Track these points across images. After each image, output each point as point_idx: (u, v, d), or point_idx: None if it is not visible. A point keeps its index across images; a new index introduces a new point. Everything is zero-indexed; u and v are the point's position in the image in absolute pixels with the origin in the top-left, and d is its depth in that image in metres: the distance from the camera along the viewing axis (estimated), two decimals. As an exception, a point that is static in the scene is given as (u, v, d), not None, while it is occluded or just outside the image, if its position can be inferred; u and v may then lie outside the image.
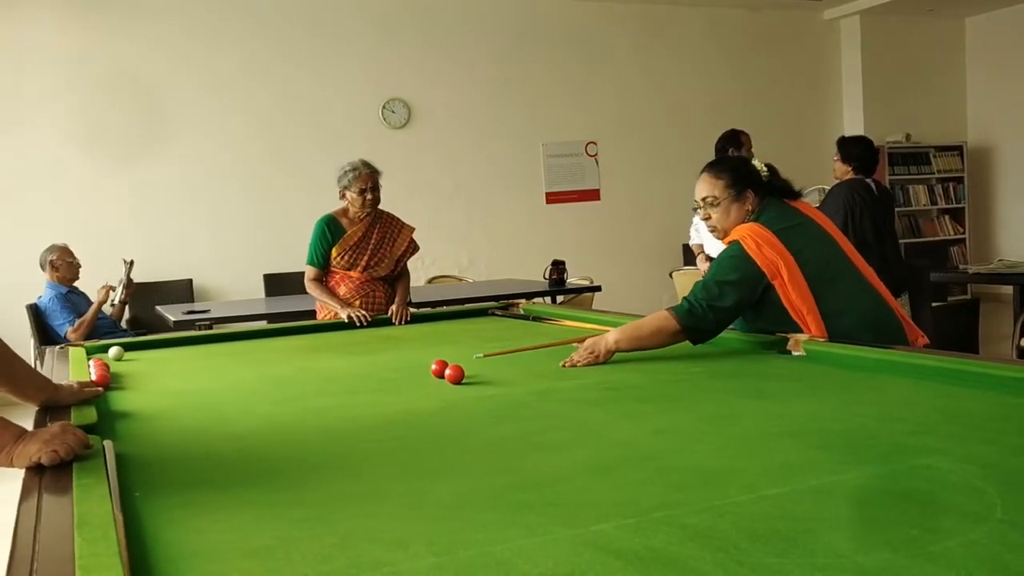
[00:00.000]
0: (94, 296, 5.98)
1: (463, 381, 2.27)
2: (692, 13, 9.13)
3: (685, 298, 2.51)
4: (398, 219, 4.17)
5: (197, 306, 6.00)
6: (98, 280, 6.18)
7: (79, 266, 6.00)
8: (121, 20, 7.19)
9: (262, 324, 4.66)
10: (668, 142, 9.06)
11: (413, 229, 4.18)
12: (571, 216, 8.77)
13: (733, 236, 2.54)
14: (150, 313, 6.37)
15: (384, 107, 8.04)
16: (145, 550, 1.19)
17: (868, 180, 4.81)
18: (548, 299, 6.03)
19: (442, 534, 1.20)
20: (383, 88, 8.05)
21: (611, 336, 2.51)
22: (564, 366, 2.47)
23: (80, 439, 1.58)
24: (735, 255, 2.49)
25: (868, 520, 1.17)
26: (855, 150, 4.99)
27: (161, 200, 7.40)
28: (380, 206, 4.08)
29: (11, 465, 1.55)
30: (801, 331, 2.49)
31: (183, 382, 2.62)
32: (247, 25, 7.60)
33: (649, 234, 9.02)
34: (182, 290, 7.34)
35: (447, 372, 2.30)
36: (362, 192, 4.00)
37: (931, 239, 9.81)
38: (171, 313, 5.43)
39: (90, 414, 1.98)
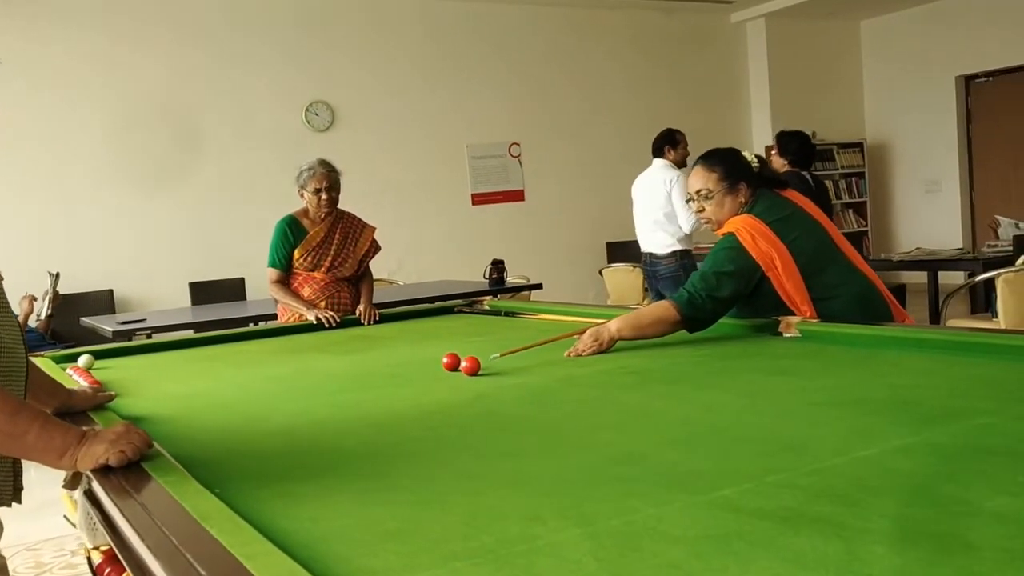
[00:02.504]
0: (16, 308, 5.71)
1: (479, 373, 2.29)
2: (610, 16, 9.31)
3: (684, 288, 2.58)
4: (359, 219, 4.13)
5: (131, 316, 5.79)
6: (15, 293, 5.90)
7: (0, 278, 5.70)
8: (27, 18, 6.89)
9: (189, 333, 4.51)
10: (591, 141, 9.21)
11: (375, 229, 4.15)
12: (497, 217, 8.82)
13: (728, 228, 2.62)
14: (73, 325, 6.11)
15: (307, 110, 7.93)
16: (274, 539, 1.17)
17: (804, 173, 5.02)
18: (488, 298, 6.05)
19: (568, 508, 1.22)
20: (306, 91, 7.94)
21: (613, 325, 2.56)
22: (569, 356, 2.50)
23: (144, 439, 1.54)
24: (731, 247, 2.58)
25: (974, 472, 1.24)
26: (792, 144, 5.22)
27: (78, 209, 7.11)
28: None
29: (74, 467, 1.50)
30: (793, 315, 2.59)
31: (180, 386, 2.54)
32: (168, 27, 7.38)
33: (575, 233, 9.15)
34: (103, 301, 7.06)
35: (463, 364, 2.31)
36: (317, 192, 3.94)
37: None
38: (105, 324, 5.23)
39: (111, 419, 1.91)
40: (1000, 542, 0.98)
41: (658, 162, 5.82)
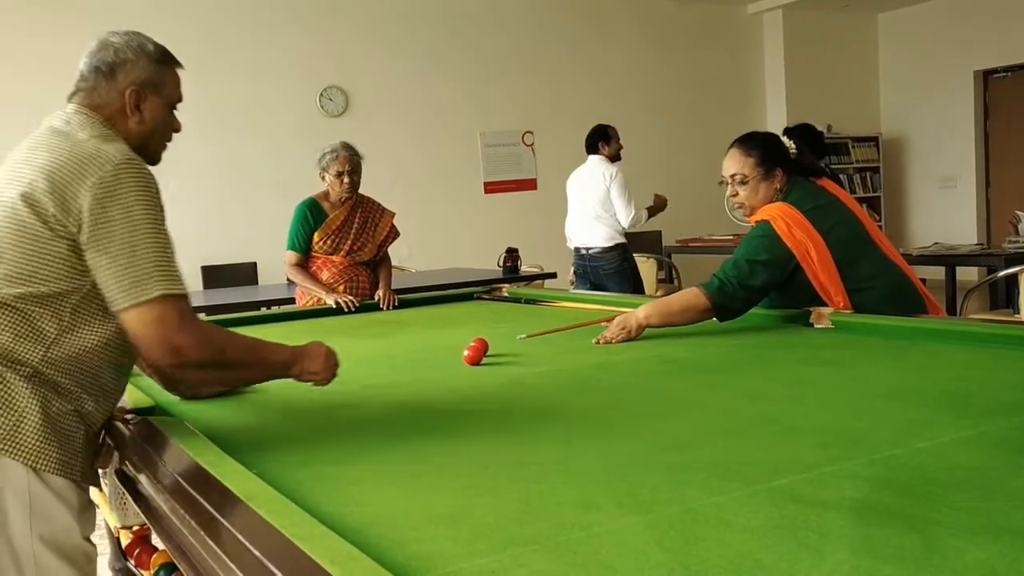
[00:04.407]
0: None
1: (484, 357, 2.25)
2: (625, 6, 9.24)
3: (715, 275, 2.53)
4: (379, 204, 4.10)
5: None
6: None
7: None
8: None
9: (201, 316, 4.48)
10: (604, 132, 9.14)
11: (394, 214, 4.11)
12: (510, 206, 8.77)
13: (762, 215, 2.56)
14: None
15: (322, 95, 7.88)
16: (324, 521, 1.13)
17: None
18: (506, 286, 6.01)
19: (623, 495, 1.19)
20: (321, 76, 7.89)
21: (641, 312, 2.52)
22: (597, 343, 2.47)
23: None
24: (766, 235, 2.52)
25: (1042, 465, 1.21)
26: (803, 138, 5.17)
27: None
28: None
29: (299, 378, 1.72)
30: (825, 305, 2.55)
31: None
32: (181, 9, 7.33)
33: (587, 223, 9.09)
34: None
35: (464, 354, 2.27)
36: (339, 175, 3.90)
37: (851, 226, 10.19)
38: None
39: (144, 399, 1.89)
40: (1084, 537, 0.95)
41: (593, 158, 5.91)
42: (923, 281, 5.85)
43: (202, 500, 1.14)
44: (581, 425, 1.61)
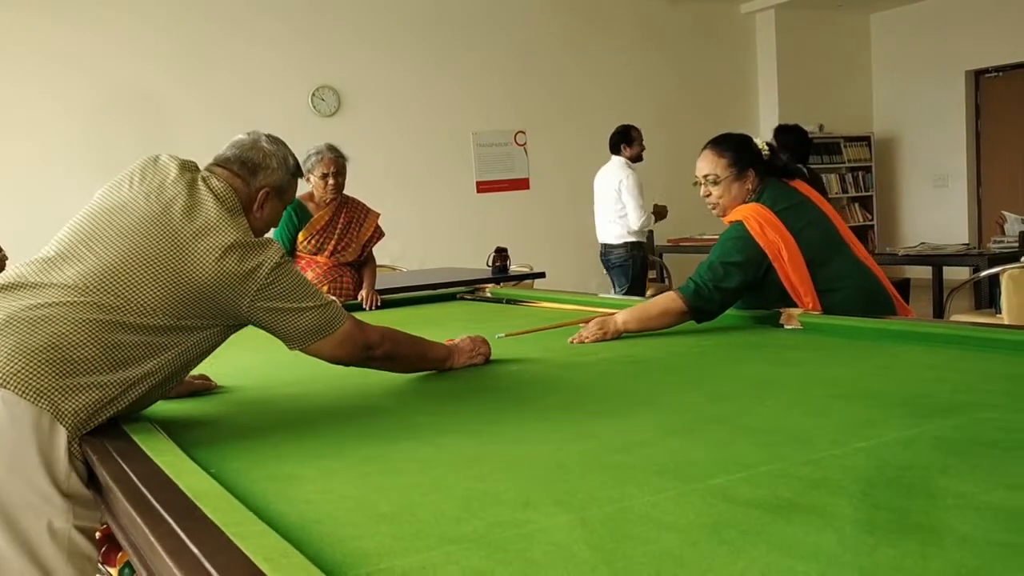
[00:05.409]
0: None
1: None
2: (618, 5, 9.27)
3: (691, 279, 2.56)
4: (364, 204, 4.13)
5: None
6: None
7: (5, 258, 5.72)
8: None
9: None
10: (597, 132, 9.12)
11: (379, 215, 4.14)
12: (502, 205, 8.81)
13: (735, 216, 2.60)
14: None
15: (314, 95, 7.91)
16: (268, 520, 1.17)
17: (801, 167, 5.00)
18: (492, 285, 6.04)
19: (563, 494, 1.22)
20: (313, 76, 7.92)
21: (619, 317, 2.55)
22: (572, 343, 2.50)
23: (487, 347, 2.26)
24: (739, 236, 2.55)
25: (972, 465, 1.24)
26: (789, 139, 5.27)
27: (69, 197, 7.11)
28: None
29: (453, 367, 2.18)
30: (795, 306, 2.58)
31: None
32: (172, 10, 7.36)
33: (578, 223, 9.10)
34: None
35: (464, 350, 2.31)
36: (324, 177, 3.94)
37: (843, 226, 10.21)
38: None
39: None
40: (994, 535, 0.98)
41: (615, 159, 6.36)
42: (908, 281, 5.90)
43: (151, 498, 1.18)
44: (535, 425, 1.65)
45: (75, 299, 1.62)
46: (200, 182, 1.81)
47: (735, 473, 1.26)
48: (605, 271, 6.68)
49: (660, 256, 8.52)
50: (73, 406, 1.54)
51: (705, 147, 2.69)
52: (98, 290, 1.63)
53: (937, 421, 1.48)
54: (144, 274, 1.66)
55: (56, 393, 1.52)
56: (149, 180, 1.80)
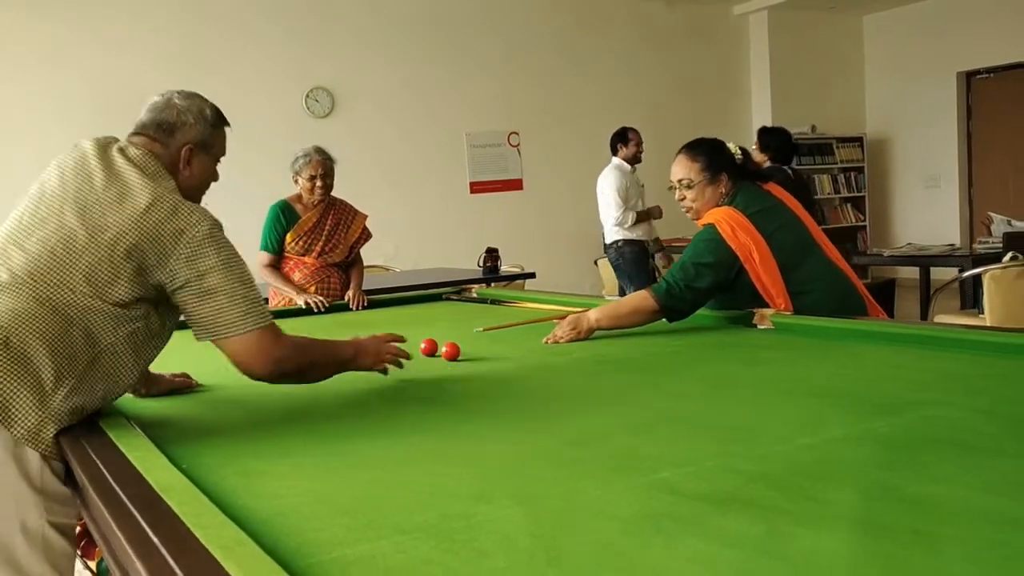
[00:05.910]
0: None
1: (458, 359, 2.34)
2: (611, 6, 9.32)
3: (663, 278, 2.62)
4: (351, 206, 4.18)
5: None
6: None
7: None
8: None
9: None
10: (590, 133, 9.21)
11: (366, 216, 4.19)
12: (495, 206, 8.86)
13: (708, 219, 2.66)
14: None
15: (308, 96, 7.96)
16: (233, 513, 1.22)
17: (785, 168, 5.07)
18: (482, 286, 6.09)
19: (517, 488, 1.27)
20: (306, 77, 7.97)
21: (592, 314, 2.61)
22: (547, 343, 2.55)
23: (399, 351, 2.03)
24: (711, 239, 2.61)
25: (909, 460, 1.29)
26: (773, 140, 5.33)
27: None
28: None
29: (357, 369, 1.99)
30: (768, 307, 2.63)
31: (160, 366, 2.59)
32: (168, 12, 7.41)
33: (571, 223, 9.17)
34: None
35: (443, 350, 2.36)
36: (312, 179, 3.99)
37: (835, 226, 10.25)
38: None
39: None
40: (920, 525, 1.03)
41: (613, 161, 6.43)
42: (894, 282, 5.95)
43: (120, 492, 1.23)
44: (499, 423, 1.70)
45: (12, 296, 1.61)
46: (116, 154, 1.78)
47: (683, 467, 1.31)
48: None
49: (653, 257, 8.56)
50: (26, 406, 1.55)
51: (679, 152, 2.75)
52: (33, 283, 1.62)
53: (886, 419, 1.53)
54: (71, 253, 1.64)
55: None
56: (69, 165, 1.78)
